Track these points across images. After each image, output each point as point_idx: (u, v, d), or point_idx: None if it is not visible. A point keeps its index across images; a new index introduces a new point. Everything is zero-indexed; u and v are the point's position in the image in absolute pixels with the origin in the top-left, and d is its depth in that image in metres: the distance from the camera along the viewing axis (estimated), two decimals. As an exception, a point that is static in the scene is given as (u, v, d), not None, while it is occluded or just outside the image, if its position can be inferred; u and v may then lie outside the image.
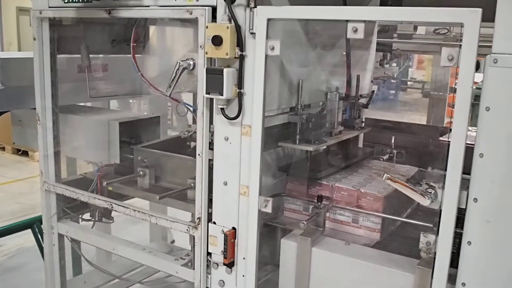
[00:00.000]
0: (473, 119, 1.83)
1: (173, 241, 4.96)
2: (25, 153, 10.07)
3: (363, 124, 3.10)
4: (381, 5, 3.35)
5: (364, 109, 3.13)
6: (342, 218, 2.49)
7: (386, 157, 3.31)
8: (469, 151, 1.76)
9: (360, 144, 3.34)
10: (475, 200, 1.77)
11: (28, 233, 4.64)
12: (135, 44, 2.69)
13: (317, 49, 2.84)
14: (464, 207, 1.80)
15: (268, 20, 2.05)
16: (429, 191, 1.85)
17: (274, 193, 2.58)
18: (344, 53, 2.97)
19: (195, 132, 2.45)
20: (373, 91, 3.21)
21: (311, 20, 2.46)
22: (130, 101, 4.94)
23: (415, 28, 3.99)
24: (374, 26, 3.08)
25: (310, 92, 2.72)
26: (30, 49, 2.96)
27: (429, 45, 3.95)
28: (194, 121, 2.65)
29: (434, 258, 1.88)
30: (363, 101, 3.10)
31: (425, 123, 4.90)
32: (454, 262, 1.87)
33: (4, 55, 3.30)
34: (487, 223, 1.77)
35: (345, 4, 2.66)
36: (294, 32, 2.55)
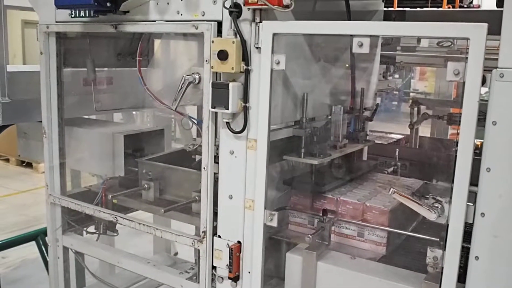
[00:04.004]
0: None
1: (176, 253, 4.94)
2: (29, 165, 10.09)
3: (367, 137, 3.10)
4: (385, 18, 3.38)
5: (368, 121, 3.13)
6: (347, 232, 2.48)
7: (390, 169, 3.30)
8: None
9: (365, 157, 3.34)
10: (483, 214, 1.76)
11: (31, 245, 4.63)
12: (141, 58, 2.70)
13: (321, 62, 2.85)
14: (471, 222, 1.79)
15: (274, 35, 2.06)
16: (436, 205, 1.85)
17: (279, 207, 2.57)
18: (347, 65, 2.98)
19: (200, 146, 2.46)
20: (378, 104, 3.21)
21: (316, 35, 2.47)
22: (134, 113, 4.96)
23: (419, 40, 4.01)
24: (378, 39, 3.09)
25: (314, 105, 2.73)
26: (34, 62, 2.99)
27: (432, 57, 3.95)
28: (199, 134, 2.66)
29: (441, 273, 1.87)
30: (367, 113, 3.11)
31: (428, 135, 4.89)
32: (461, 277, 1.86)
33: (10, 68, 3.32)
34: (495, 238, 1.76)
35: (349, 18, 2.68)
36: (298, 46, 2.56)
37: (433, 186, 2.92)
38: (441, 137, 4.57)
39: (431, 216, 1.85)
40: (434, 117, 3.97)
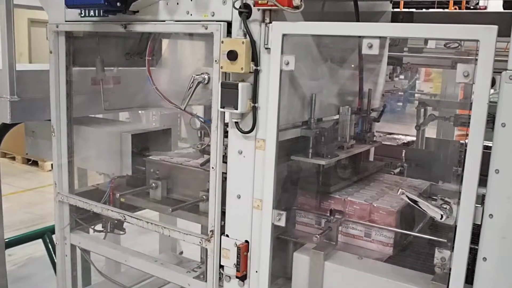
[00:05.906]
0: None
1: (181, 252, 4.97)
2: (35, 163, 10.15)
3: (374, 138, 3.11)
4: (392, 20, 3.39)
5: (375, 122, 3.14)
6: (354, 232, 2.49)
7: (397, 170, 3.31)
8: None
9: (371, 158, 3.35)
10: (491, 216, 1.77)
11: (37, 243, 4.67)
12: (150, 58, 2.72)
13: (329, 63, 2.86)
14: (479, 223, 1.80)
15: (283, 35, 2.07)
16: (444, 206, 1.85)
17: (286, 207, 2.58)
18: (353, 65, 2.99)
19: (208, 145, 2.47)
20: (385, 105, 3.22)
21: (326, 36, 2.48)
22: (140, 112, 4.98)
23: (426, 42, 4.02)
24: (386, 41, 3.10)
25: (322, 106, 2.74)
26: (40, 60, 3.01)
27: (440, 59, 3.96)
28: (206, 134, 2.67)
29: (449, 274, 1.87)
30: (374, 114, 3.12)
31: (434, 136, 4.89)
32: (469, 278, 1.86)
33: (19, 67, 3.34)
34: (503, 239, 1.77)
35: (358, 19, 2.69)
36: (306, 46, 2.57)
37: (440, 187, 2.93)
38: (447, 139, 4.57)
39: (439, 217, 1.86)
40: (441, 118, 3.97)
